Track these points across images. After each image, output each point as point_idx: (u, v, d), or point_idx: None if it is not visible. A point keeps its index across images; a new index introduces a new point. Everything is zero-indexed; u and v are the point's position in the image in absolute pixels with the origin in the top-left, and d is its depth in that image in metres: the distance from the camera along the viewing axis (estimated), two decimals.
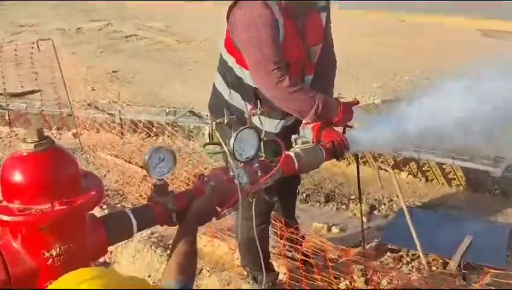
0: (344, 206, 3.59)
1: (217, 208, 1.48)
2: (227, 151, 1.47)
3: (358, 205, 3.28)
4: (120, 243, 2.89)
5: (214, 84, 2.20)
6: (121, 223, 1.30)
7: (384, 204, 3.60)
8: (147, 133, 4.63)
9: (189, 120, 5.02)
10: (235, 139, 1.46)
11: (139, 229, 1.34)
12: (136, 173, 3.91)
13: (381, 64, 6.94)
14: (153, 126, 4.15)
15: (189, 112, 5.14)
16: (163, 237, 3.08)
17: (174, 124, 4.76)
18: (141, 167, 3.93)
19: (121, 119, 4.84)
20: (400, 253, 2.89)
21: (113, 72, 6.95)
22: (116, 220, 1.30)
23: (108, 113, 4.82)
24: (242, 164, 1.54)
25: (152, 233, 3.11)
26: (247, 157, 1.53)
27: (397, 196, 3.64)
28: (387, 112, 2.18)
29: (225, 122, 1.47)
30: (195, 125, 4.84)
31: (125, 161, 4.03)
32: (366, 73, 6.77)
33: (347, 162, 4.14)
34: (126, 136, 4.63)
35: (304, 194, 3.75)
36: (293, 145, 1.83)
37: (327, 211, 3.55)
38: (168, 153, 1.37)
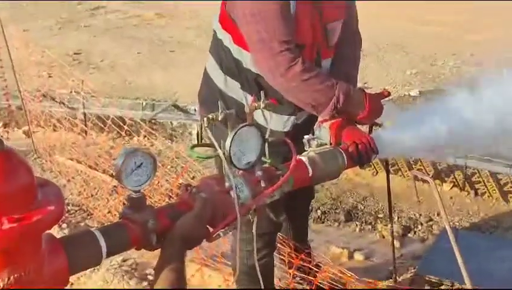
0: (370, 227, 3.61)
1: (209, 227, 1.49)
2: (221, 155, 1.48)
3: (389, 225, 3.29)
4: (84, 272, 2.90)
5: (205, 70, 2.20)
6: (86, 246, 1.30)
7: (422, 224, 3.61)
8: (118, 132, 4.64)
9: (172, 116, 5.03)
10: (232, 140, 1.47)
11: (109, 254, 1.34)
12: (104, 183, 3.91)
13: (418, 47, 6.97)
14: (125, 123, 4.15)
15: (172, 105, 5.16)
16: (138, 264, 3.09)
17: (153, 120, 4.77)
18: (111, 175, 3.94)
19: (84, 114, 4.85)
20: (442, 287, 2.90)
21: (75, 54, 6.97)
22: (80, 242, 1.30)
23: (69, 107, 4.83)
24: (241, 171, 1.55)
25: (124, 260, 3.12)
26: (248, 163, 1.53)
27: (438, 214, 3.66)
28: (426, 107, 2.20)
29: (219, 118, 1.48)
30: (180, 123, 4.85)
31: (90, 167, 4.04)
32: (398, 57, 6.79)
33: (374, 170, 4.15)
34: (91, 135, 4.64)
35: (319, 212, 3.76)
36: (306, 148, 1.84)
37: (348, 233, 3.55)
38: (147, 157, 1.37)
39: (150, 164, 1.38)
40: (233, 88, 2.08)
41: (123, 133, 4.53)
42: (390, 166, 3.79)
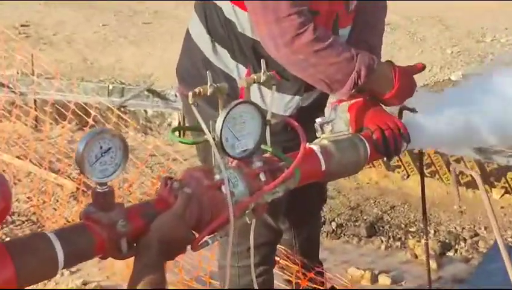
0: (399, 244, 3.62)
1: (194, 232, 1.50)
2: (210, 140, 1.49)
3: (423, 241, 3.31)
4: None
5: (187, 33, 2.21)
6: (38, 252, 1.32)
7: (465, 240, 3.63)
8: (78, 123, 4.65)
9: (147, 103, 5.04)
10: (224, 121, 1.48)
11: (67, 264, 1.35)
12: (60, 187, 3.92)
13: (461, 20, 7.00)
14: (88, 112, 4.16)
15: (147, 90, 5.18)
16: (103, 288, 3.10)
17: (123, 108, 4.78)
18: (69, 177, 3.96)
19: (35, 101, 4.86)
20: None
21: (22, 26, 6.98)
22: (30, 247, 1.31)
23: (15, 92, 4.84)
24: (235, 161, 1.56)
25: (85, 283, 3.14)
26: (244, 151, 1.54)
27: (486, 228, 3.67)
28: (470, 90, 2.22)
29: (208, 93, 1.49)
30: (157, 111, 4.87)
31: (43, 167, 4.05)
32: (436, 32, 6.82)
33: (404, 172, 4.17)
34: (44, 127, 4.64)
35: (334, 224, 3.78)
36: (318, 134, 1.85)
37: (371, 251, 3.57)
38: (116, 141, 1.39)
39: (120, 150, 1.40)
40: (222, 58, 2.09)
41: (85, 125, 4.52)
42: (425, 167, 3.81)
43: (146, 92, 5.14)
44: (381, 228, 3.77)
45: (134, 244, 1.42)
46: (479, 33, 6.74)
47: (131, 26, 7.10)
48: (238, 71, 2.06)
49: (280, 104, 2.08)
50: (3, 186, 1.22)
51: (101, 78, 5.87)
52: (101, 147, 1.38)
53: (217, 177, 1.52)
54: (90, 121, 3.77)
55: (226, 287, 1.99)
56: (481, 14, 7.02)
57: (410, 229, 3.74)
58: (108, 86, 5.30)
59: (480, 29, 6.72)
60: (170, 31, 6.84)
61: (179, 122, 4.70)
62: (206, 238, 1.51)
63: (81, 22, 7.13)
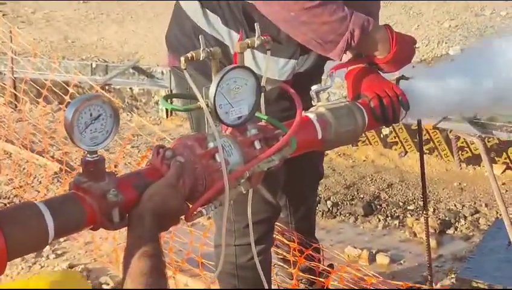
0: (397, 223, 3.66)
1: (187, 203, 1.52)
2: (204, 107, 1.50)
3: (422, 218, 3.33)
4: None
5: (176, 1, 2.22)
6: (28, 222, 1.33)
7: (465, 217, 3.67)
8: (59, 102, 4.65)
9: (132, 81, 5.05)
10: (217, 87, 1.49)
11: (57, 234, 1.36)
12: (42, 168, 3.93)
13: None
14: (69, 91, 4.16)
15: (133, 68, 5.19)
16: (90, 271, 3.12)
17: (107, 87, 4.79)
18: (52, 157, 3.96)
19: (14, 79, 4.85)
20: None
21: None
22: (20, 217, 1.32)
23: None
24: (229, 129, 1.58)
25: (71, 266, 3.15)
26: (239, 118, 1.56)
27: (486, 205, 3.71)
28: (470, 59, 2.24)
29: (201, 57, 1.50)
30: (143, 89, 4.87)
31: (24, 147, 4.05)
32: (433, 6, 6.82)
33: (401, 149, 4.20)
34: (24, 106, 4.64)
35: (329, 203, 3.81)
36: (314, 101, 1.86)
37: (369, 230, 3.61)
38: (106, 107, 1.40)
39: (110, 117, 1.41)
40: (214, 24, 2.10)
41: (66, 104, 4.54)
42: (423, 143, 3.81)
43: (131, 70, 5.15)
44: (378, 207, 3.80)
45: (127, 215, 1.44)
46: (478, 6, 6.75)
47: (113, 4, 7.07)
48: (231, 37, 2.07)
49: (274, 68, 2.08)
50: None
51: (83, 57, 5.87)
52: (91, 114, 1.39)
53: (211, 145, 1.53)
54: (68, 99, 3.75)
55: (220, 267, 1.96)
56: None
57: (408, 207, 3.78)
58: (92, 64, 5.30)
59: (479, 2, 6.73)
60: (154, 9, 6.82)
61: (170, 91, 4.70)
62: (200, 208, 1.53)
63: None
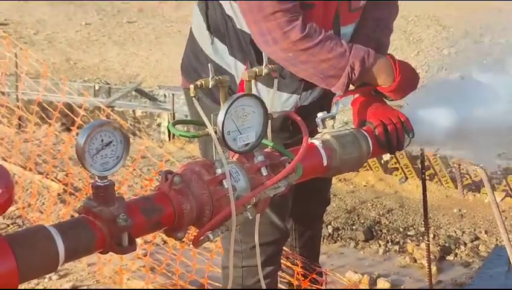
0: (397, 248, 3.66)
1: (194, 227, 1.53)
2: (212, 133, 1.52)
3: (422, 244, 3.34)
4: None
5: (190, 31, 2.26)
6: (39, 246, 1.34)
7: (465, 244, 3.68)
8: (63, 123, 4.66)
9: (135, 103, 5.08)
10: (226, 113, 1.51)
11: (67, 258, 1.37)
12: (46, 190, 3.93)
13: (458, 19, 7.03)
14: (73, 112, 4.19)
15: (135, 90, 5.21)
16: None
17: (110, 109, 4.80)
18: (56, 179, 3.97)
19: (18, 100, 4.86)
20: None
21: (1, 24, 6.99)
22: (32, 240, 1.33)
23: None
24: (236, 155, 1.59)
25: (75, 288, 3.14)
26: (246, 145, 1.57)
27: (486, 232, 3.72)
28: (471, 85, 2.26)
29: (210, 85, 1.52)
30: (146, 112, 4.89)
31: (27, 169, 4.06)
32: (432, 33, 6.86)
33: (402, 175, 4.21)
34: (28, 128, 4.65)
35: (330, 228, 3.82)
36: (320, 128, 1.89)
37: (369, 255, 3.62)
38: (117, 134, 1.42)
39: (121, 143, 1.43)
40: (221, 54, 2.13)
41: (70, 125, 4.54)
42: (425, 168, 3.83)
43: (134, 92, 5.17)
44: (379, 232, 3.80)
45: (135, 239, 1.45)
46: (477, 33, 6.78)
47: (115, 26, 7.11)
48: (236, 68, 2.09)
49: (278, 101, 2.11)
50: (5, 178, 1.25)
51: (85, 78, 5.89)
52: (102, 141, 1.40)
53: (219, 171, 1.54)
54: (78, 120, 3.77)
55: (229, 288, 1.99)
56: (479, 13, 7.08)
57: (408, 233, 3.77)
58: (94, 86, 5.33)
59: (479, 29, 6.77)
60: (157, 31, 6.86)
61: (173, 114, 4.73)
62: (207, 233, 1.54)
63: (62, 20, 7.14)
